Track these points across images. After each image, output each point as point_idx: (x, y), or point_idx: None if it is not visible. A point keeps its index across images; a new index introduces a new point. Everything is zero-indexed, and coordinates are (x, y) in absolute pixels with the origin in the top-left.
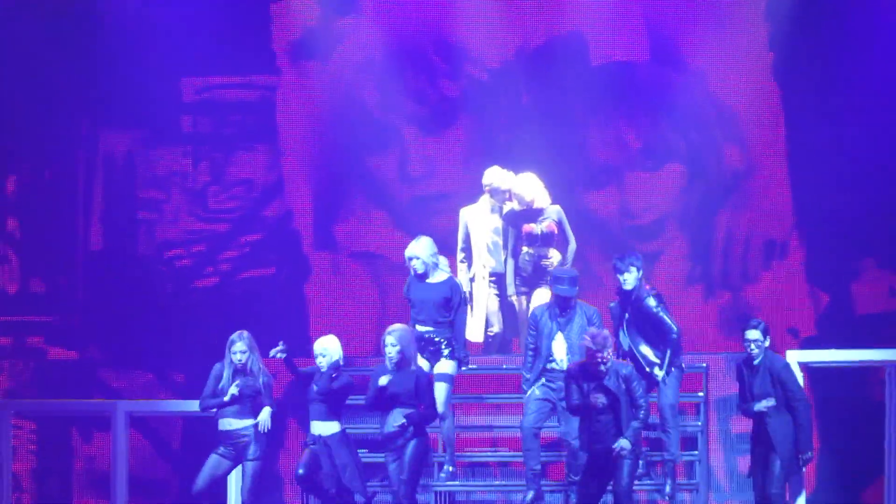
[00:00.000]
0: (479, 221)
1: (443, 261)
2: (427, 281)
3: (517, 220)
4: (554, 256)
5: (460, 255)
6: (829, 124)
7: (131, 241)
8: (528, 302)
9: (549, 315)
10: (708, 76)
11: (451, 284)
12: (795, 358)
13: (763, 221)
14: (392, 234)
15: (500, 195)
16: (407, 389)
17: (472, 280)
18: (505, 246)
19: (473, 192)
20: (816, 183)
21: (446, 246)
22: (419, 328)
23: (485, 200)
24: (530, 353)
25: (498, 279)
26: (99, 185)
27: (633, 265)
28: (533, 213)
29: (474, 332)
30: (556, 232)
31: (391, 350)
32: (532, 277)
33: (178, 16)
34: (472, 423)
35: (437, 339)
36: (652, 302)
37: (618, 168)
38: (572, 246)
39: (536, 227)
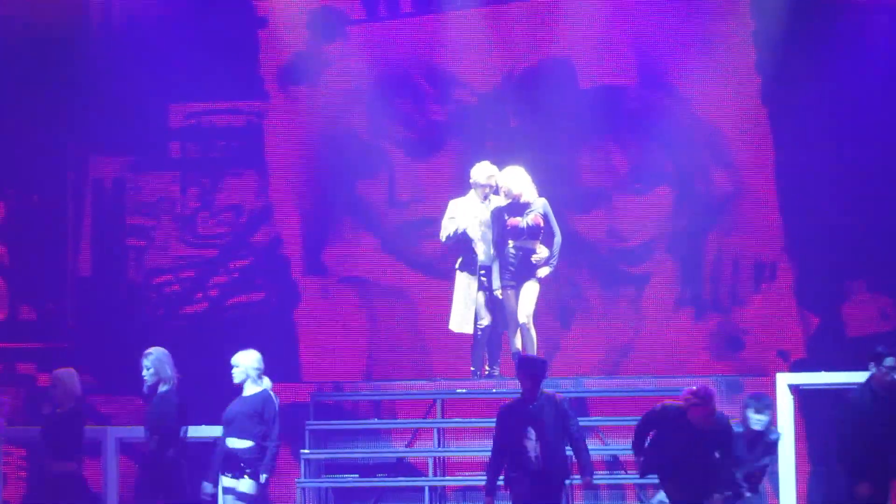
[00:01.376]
0: (469, 213)
1: (266, 381)
2: (242, 394)
3: (503, 214)
4: (541, 251)
5: (445, 239)
6: (818, 146)
7: (120, 267)
8: (517, 296)
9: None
10: (696, 99)
11: (265, 398)
12: (785, 381)
13: (752, 243)
14: (381, 258)
15: (483, 189)
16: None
17: (459, 269)
18: (493, 239)
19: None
20: (805, 204)
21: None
22: (229, 442)
23: (473, 194)
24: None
25: (487, 272)
26: (88, 211)
27: (769, 407)
28: (519, 207)
29: (463, 323)
30: (541, 225)
31: (145, 372)
32: (519, 271)
33: (167, 41)
34: (463, 447)
35: (244, 457)
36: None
37: (606, 191)
38: (558, 239)
39: (522, 221)
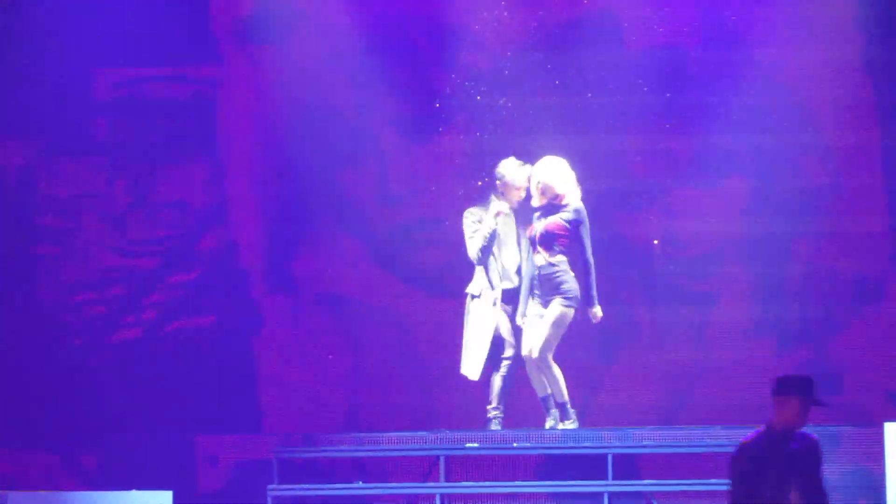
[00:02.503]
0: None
1: None
2: None
3: (533, 218)
4: (561, 265)
5: (477, 257)
6: None
7: (28, 282)
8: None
9: None
10: (778, 65)
11: None
12: None
13: (851, 254)
14: (368, 271)
15: (514, 193)
16: None
17: (471, 295)
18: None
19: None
20: None
21: (436, 286)
22: None
23: (496, 201)
24: None
25: (509, 295)
26: None
27: None
28: (556, 211)
29: (477, 366)
30: (558, 234)
31: None
32: (544, 294)
33: None
34: None
35: None
36: None
37: (659, 184)
38: (588, 257)
39: (534, 227)
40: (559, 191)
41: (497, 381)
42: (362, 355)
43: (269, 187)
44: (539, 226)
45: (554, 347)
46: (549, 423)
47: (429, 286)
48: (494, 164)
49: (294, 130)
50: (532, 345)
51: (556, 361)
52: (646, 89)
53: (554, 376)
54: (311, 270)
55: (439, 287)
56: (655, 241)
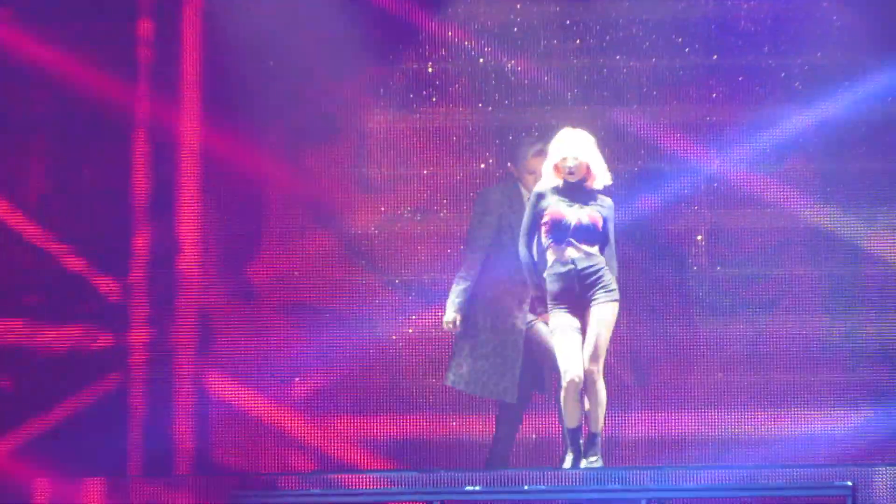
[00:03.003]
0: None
1: None
2: None
3: (554, 198)
4: (600, 258)
5: (473, 254)
6: None
7: None
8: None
9: None
10: (851, 19)
11: None
12: None
13: None
14: (345, 273)
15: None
16: None
17: None
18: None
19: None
20: None
21: (431, 291)
22: None
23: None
24: None
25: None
26: None
27: None
28: (582, 193)
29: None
30: (599, 227)
31: None
32: (568, 290)
33: None
34: None
35: None
36: None
37: (704, 166)
38: (611, 253)
39: (574, 214)
40: (595, 171)
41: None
42: (337, 377)
43: (222, 172)
44: (578, 214)
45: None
46: (568, 461)
47: (421, 292)
48: (500, 141)
49: (253, 102)
50: (588, 355)
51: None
52: (687, 50)
53: (600, 398)
54: (274, 274)
55: (433, 293)
56: (699, 238)
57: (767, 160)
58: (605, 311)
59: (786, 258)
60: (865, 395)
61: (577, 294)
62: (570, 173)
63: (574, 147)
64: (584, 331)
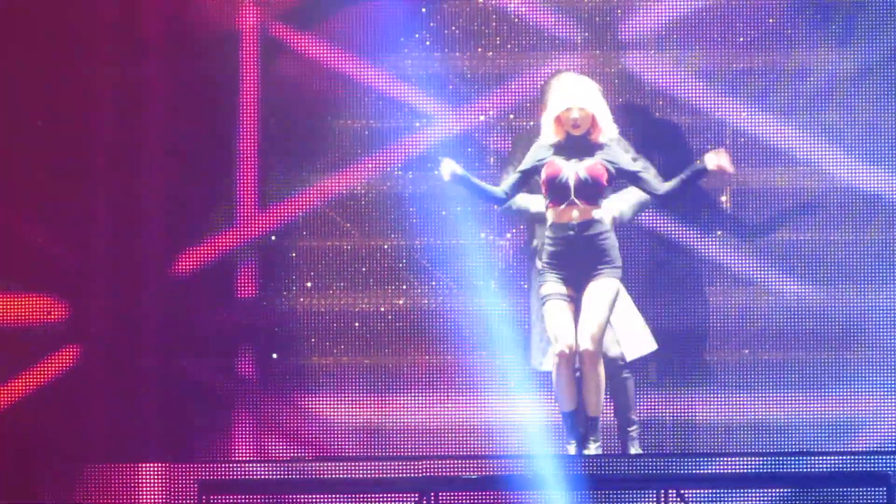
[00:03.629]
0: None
1: None
2: None
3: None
4: (606, 223)
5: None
6: None
7: None
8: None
9: None
10: None
11: None
12: None
13: None
14: (330, 238)
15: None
16: None
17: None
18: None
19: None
20: None
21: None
22: None
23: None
24: None
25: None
26: None
27: None
28: (586, 147)
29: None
30: (604, 182)
31: None
32: (567, 260)
33: None
34: None
35: None
36: None
37: (728, 118)
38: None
39: (571, 170)
40: (602, 123)
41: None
42: (318, 353)
43: (191, 133)
44: (577, 169)
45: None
46: (572, 451)
47: (412, 259)
48: (502, 91)
49: (192, 48)
50: (587, 333)
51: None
52: None
53: (600, 381)
54: (248, 240)
55: (426, 260)
56: (723, 199)
57: (801, 112)
58: (604, 286)
59: (821, 222)
60: None
61: (574, 262)
62: (575, 126)
63: (579, 96)
64: (579, 304)
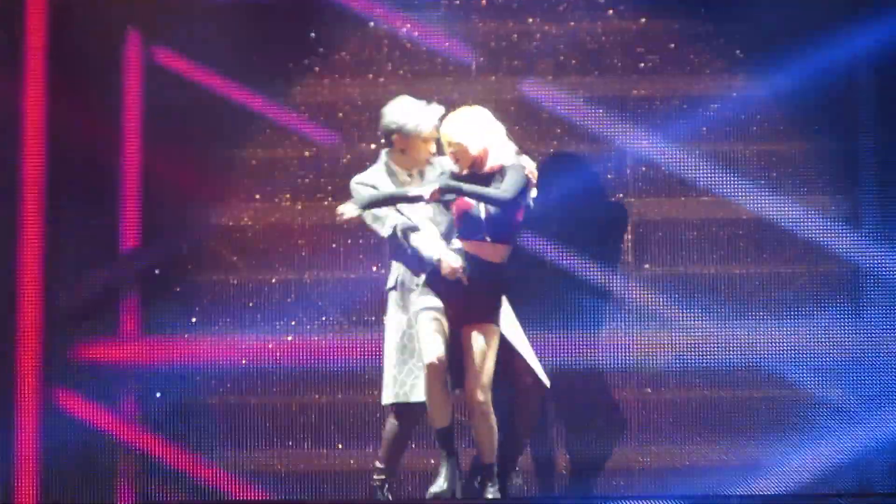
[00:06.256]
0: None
1: None
2: None
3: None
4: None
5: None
6: None
7: None
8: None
9: None
10: None
11: None
12: None
13: None
14: (215, 272)
15: (421, 147)
16: None
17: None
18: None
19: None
20: None
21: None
22: None
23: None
24: None
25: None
26: None
27: None
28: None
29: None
30: None
31: None
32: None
33: None
34: None
35: None
36: None
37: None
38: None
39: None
40: (474, 152)
41: (396, 425)
42: (202, 394)
43: (72, 155)
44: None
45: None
46: (440, 481)
47: (302, 293)
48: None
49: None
50: (477, 384)
51: None
52: (611, 12)
53: (491, 427)
54: (134, 272)
55: (316, 295)
56: (626, 232)
57: (704, 140)
58: (489, 335)
59: (726, 255)
60: (826, 416)
61: (458, 295)
62: (456, 160)
63: (451, 129)
64: (459, 344)
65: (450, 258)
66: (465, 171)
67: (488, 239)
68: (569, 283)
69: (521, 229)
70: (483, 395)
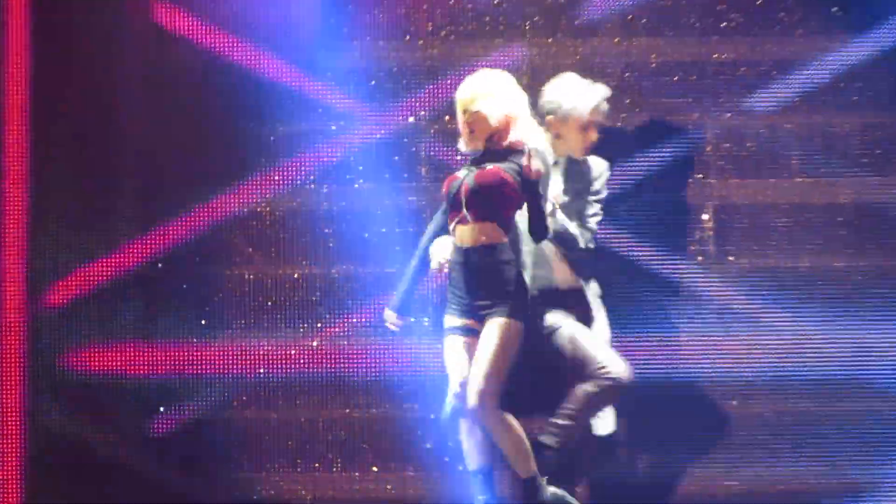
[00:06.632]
0: None
1: None
2: None
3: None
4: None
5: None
6: None
7: None
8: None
9: None
10: None
11: None
12: None
13: None
14: (228, 265)
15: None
16: None
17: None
18: None
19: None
20: None
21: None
22: None
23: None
24: None
25: None
26: None
27: None
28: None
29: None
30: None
31: None
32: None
33: None
34: None
35: None
36: None
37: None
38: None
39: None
40: (494, 123)
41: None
42: (209, 405)
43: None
44: (468, 177)
45: (500, 386)
46: None
47: (329, 290)
48: (435, 87)
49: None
50: (470, 388)
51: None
52: None
53: (506, 433)
54: (131, 263)
55: (345, 292)
56: (705, 217)
57: (797, 112)
58: (491, 330)
59: (823, 245)
60: None
61: (463, 293)
62: (471, 131)
63: (469, 94)
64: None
65: (432, 250)
66: (480, 147)
67: (469, 219)
68: (638, 277)
69: (515, 206)
70: (475, 400)
